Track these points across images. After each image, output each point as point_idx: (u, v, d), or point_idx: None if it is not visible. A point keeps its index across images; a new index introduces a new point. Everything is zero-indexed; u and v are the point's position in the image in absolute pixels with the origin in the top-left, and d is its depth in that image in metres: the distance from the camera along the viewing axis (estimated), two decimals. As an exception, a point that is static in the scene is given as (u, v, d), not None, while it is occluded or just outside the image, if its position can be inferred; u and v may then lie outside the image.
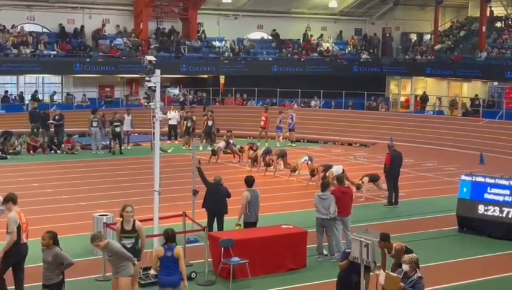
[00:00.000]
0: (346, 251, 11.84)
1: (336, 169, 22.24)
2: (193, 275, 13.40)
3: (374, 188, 22.25)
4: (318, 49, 47.49)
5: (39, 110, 32.51)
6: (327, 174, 22.04)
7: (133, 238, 11.97)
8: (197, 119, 33.12)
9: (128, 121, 31.50)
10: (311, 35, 48.32)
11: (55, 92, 39.89)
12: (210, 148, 30.90)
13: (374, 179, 22.02)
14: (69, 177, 24.48)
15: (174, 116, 32.63)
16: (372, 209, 20.23)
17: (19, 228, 11.64)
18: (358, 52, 48.70)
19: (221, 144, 28.90)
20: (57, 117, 31.68)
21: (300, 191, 22.30)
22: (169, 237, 11.07)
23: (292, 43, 47.24)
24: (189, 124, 32.44)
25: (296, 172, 24.78)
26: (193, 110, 34.53)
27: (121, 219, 12.29)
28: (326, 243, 15.26)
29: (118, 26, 42.38)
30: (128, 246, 11.75)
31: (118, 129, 30.26)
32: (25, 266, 12.45)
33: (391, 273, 10.13)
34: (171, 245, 10.99)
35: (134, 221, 12.16)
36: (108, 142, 31.08)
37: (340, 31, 50.09)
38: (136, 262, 11.18)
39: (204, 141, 32.23)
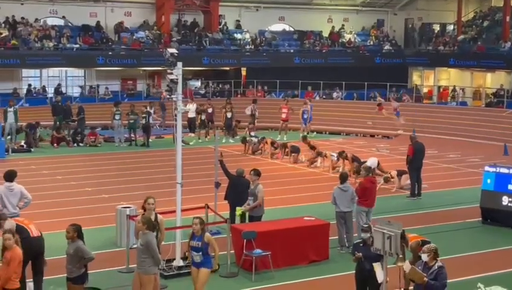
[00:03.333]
0: (355, 241, 11.92)
1: (372, 162, 22.22)
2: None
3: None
4: (340, 40, 47.31)
5: (61, 104, 32.83)
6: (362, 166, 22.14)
7: (154, 231, 11.99)
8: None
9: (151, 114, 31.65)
10: (333, 27, 48.14)
11: (60, 85, 39.93)
12: (232, 141, 31.05)
13: (400, 173, 21.96)
14: (92, 170, 24.65)
15: (192, 108, 32.55)
16: (395, 201, 20.16)
17: (19, 228, 11.34)
18: (381, 43, 48.41)
19: (254, 139, 28.89)
20: (77, 111, 32.05)
21: (322, 183, 22.27)
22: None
23: (314, 34, 47.06)
24: (203, 117, 32.42)
25: (319, 162, 25.24)
26: (210, 102, 34.29)
27: (143, 211, 12.33)
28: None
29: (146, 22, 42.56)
30: None
31: (144, 121, 30.44)
32: (51, 258, 12.55)
33: (417, 269, 10.03)
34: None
35: (156, 214, 12.22)
36: (129, 135, 31.19)
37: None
38: (160, 265, 11.21)
39: (226, 133, 32.24)
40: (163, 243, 12.63)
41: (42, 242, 11.77)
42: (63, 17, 40.83)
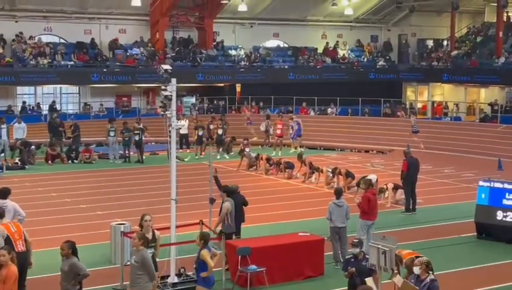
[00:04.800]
0: (347, 257, 11.92)
1: (372, 177, 22.28)
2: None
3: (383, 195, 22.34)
4: (336, 56, 47.47)
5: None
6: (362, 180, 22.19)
7: (152, 248, 11.98)
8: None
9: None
10: (327, 43, 48.35)
11: (54, 102, 39.83)
12: (227, 157, 31.12)
13: (396, 187, 21.97)
14: (87, 187, 24.61)
15: (184, 125, 32.50)
16: (389, 216, 20.12)
17: (7, 239, 11.63)
18: (375, 59, 48.60)
19: (253, 154, 28.88)
20: (72, 128, 31.92)
21: (317, 198, 22.27)
22: (208, 240, 11.71)
23: (308, 50, 47.21)
24: (200, 133, 32.39)
25: (313, 178, 25.21)
26: (202, 119, 34.22)
27: (140, 228, 12.30)
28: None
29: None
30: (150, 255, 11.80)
31: (137, 137, 30.45)
32: (46, 275, 12.50)
33: (409, 282, 10.08)
34: (209, 246, 11.66)
35: (153, 231, 12.21)
36: (124, 152, 31.09)
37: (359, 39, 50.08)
38: (156, 281, 11.18)
39: (220, 149, 32.25)
40: (157, 259, 12.61)
41: (27, 257, 11.83)
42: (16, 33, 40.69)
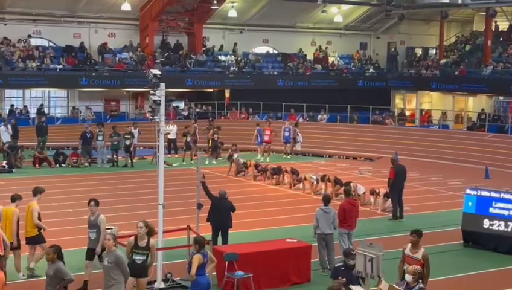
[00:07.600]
0: (336, 265, 11.88)
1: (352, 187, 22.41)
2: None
3: (378, 202, 22.32)
4: (323, 63, 47.57)
5: (46, 124, 32.79)
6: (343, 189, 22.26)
7: (144, 255, 11.91)
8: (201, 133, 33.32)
9: (135, 135, 31.54)
10: (316, 49, 48.48)
11: (42, 105, 39.71)
12: (215, 162, 31.09)
13: (387, 196, 22.01)
14: (74, 191, 24.48)
15: (173, 130, 32.45)
16: (377, 223, 20.19)
17: None
18: (364, 67, 48.75)
19: (241, 160, 28.87)
20: (88, 135, 31.46)
21: (304, 205, 22.27)
22: (203, 245, 11.58)
23: (297, 57, 47.31)
24: (188, 139, 32.32)
25: (301, 185, 25.25)
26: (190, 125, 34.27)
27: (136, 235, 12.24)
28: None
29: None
30: (139, 262, 11.73)
31: (128, 142, 30.36)
32: (31, 280, 12.42)
33: (395, 286, 10.12)
34: (205, 251, 11.54)
35: (149, 238, 12.11)
36: (112, 156, 30.99)
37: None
38: (128, 279, 11.16)
39: (211, 154, 32.20)
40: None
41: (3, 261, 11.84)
42: None
